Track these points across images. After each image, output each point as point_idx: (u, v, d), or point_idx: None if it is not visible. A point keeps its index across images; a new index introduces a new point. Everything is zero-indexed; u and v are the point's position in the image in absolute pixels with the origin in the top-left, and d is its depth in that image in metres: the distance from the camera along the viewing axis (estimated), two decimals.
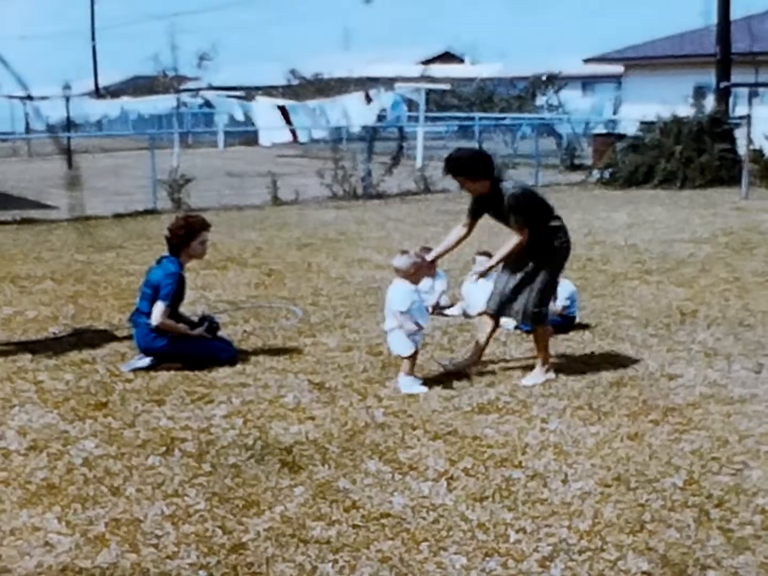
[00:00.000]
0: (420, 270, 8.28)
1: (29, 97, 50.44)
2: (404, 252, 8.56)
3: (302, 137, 31.10)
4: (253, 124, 33.29)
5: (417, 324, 8.02)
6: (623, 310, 10.67)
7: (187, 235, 8.71)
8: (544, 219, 8.21)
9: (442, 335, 9.64)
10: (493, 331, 8.60)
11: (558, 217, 8.29)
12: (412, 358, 8.07)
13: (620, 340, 9.45)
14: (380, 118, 34.28)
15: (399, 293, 8.04)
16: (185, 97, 48.59)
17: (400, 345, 8.08)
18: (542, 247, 8.18)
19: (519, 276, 8.28)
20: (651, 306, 10.85)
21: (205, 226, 8.84)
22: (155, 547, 5.22)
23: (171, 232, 8.77)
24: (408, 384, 7.98)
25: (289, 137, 31.32)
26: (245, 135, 41.88)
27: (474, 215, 8.58)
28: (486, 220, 8.52)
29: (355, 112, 31.32)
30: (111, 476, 6.17)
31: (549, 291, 8.38)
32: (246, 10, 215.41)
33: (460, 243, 8.89)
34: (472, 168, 8.28)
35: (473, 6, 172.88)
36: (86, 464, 6.37)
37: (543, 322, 8.40)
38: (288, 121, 30.60)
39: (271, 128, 30.42)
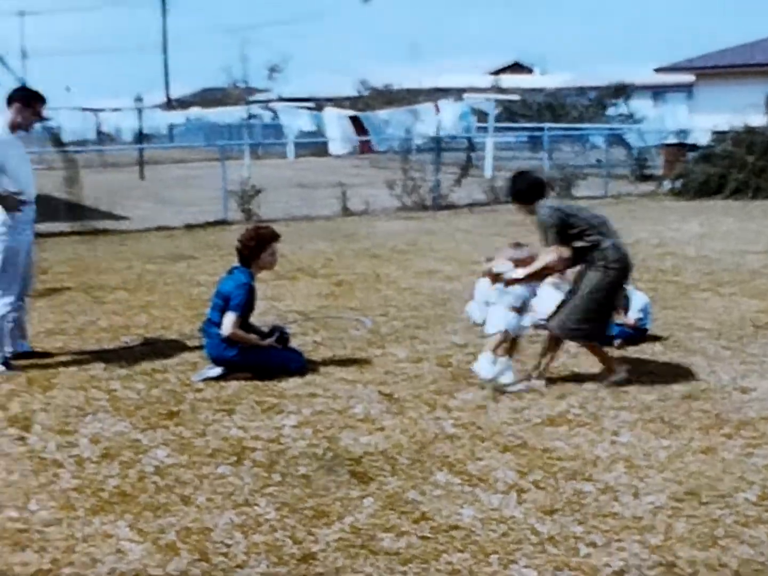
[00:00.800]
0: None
1: (101, 109, 51.16)
2: (518, 244, 8.99)
3: (376, 147, 31.20)
4: (322, 135, 33.45)
5: (517, 309, 8.16)
6: (695, 322, 10.56)
7: (258, 247, 8.77)
8: (579, 239, 8.16)
9: None
10: (553, 345, 8.58)
11: (599, 238, 8.17)
12: (504, 341, 8.21)
13: (692, 352, 9.35)
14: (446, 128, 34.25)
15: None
16: (255, 108, 49.01)
17: (495, 320, 8.17)
18: (587, 266, 8.21)
19: (573, 291, 8.34)
20: (723, 318, 10.73)
21: (275, 237, 8.90)
22: (225, 556, 5.25)
23: (242, 244, 8.83)
24: (486, 365, 8.02)
25: (360, 147, 31.46)
26: (315, 146, 42.08)
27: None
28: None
29: (425, 122, 31.39)
30: (182, 485, 6.22)
31: (596, 309, 8.26)
32: (316, 23, 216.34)
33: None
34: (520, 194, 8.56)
35: (543, 16, 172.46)
36: (157, 473, 6.43)
37: (587, 339, 8.36)
38: (360, 132, 30.74)
39: (341, 138, 30.53)
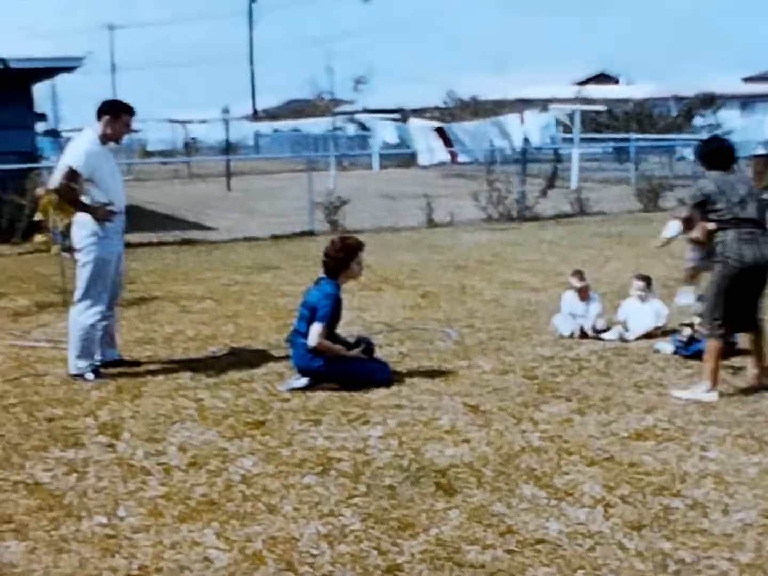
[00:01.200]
0: None
1: (188, 121, 51.76)
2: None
3: (462, 158, 31.12)
4: (408, 146, 33.45)
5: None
6: None
7: (347, 258, 8.80)
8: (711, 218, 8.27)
9: (598, 359, 9.52)
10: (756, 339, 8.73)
11: (727, 224, 8.17)
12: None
13: None
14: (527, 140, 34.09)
15: None
16: (340, 120, 49.23)
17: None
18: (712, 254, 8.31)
19: None
20: None
21: (361, 246, 8.93)
22: (311, 566, 5.26)
23: (329, 256, 8.85)
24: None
25: (447, 158, 31.41)
26: (400, 157, 42.13)
27: None
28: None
29: (510, 133, 31.29)
30: (268, 494, 6.25)
31: (712, 304, 8.30)
32: (401, 33, 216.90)
33: None
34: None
35: (629, 26, 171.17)
36: (244, 481, 6.47)
37: (711, 334, 8.34)
38: (447, 143, 30.72)
39: (427, 150, 30.53)
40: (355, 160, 48.63)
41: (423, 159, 32.12)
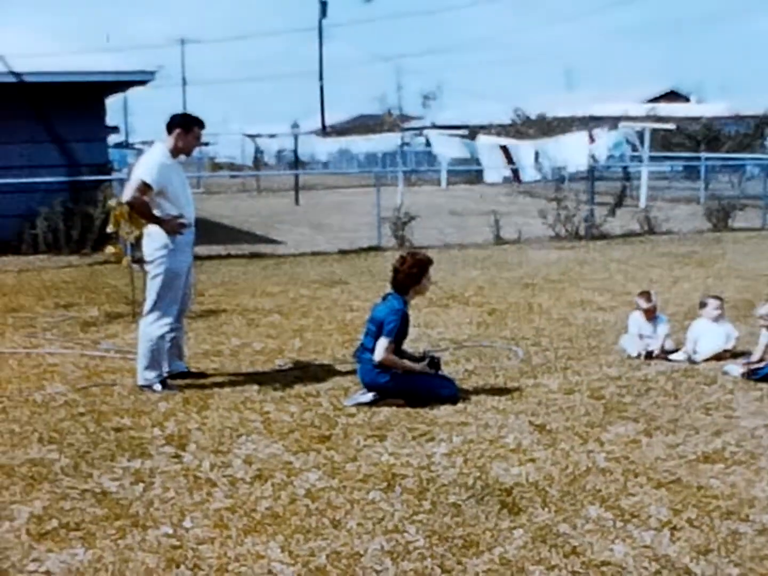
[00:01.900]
0: None
1: (258, 135, 52.13)
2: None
3: (525, 177, 30.96)
4: (477, 162, 33.37)
5: None
6: None
7: (418, 274, 8.81)
8: None
9: (666, 380, 9.43)
10: None
11: None
12: None
13: None
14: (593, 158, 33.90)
15: None
16: (408, 135, 49.31)
17: None
18: None
19: None
20: None
21: (430, 262, 8.94)
22: None
23: (399, 271, 8.82)
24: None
25: (511, 176, 31.28)
26: (468, 173, 42.13)
27: None
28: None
29: (576, 152, 31.11)
30: (333, 509, 6.26)
31: None
32: (470, 51, 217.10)
33: None
34: None
35: (701, 44, 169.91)
36: (309, 496, 6.49)
37: None
38: (510, 161, 30.59)
39: (495, 167, 30.45)
40: (423, 176, 48.71)
41: (489, 176, 32.04)
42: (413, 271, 8.79)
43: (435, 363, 8.97)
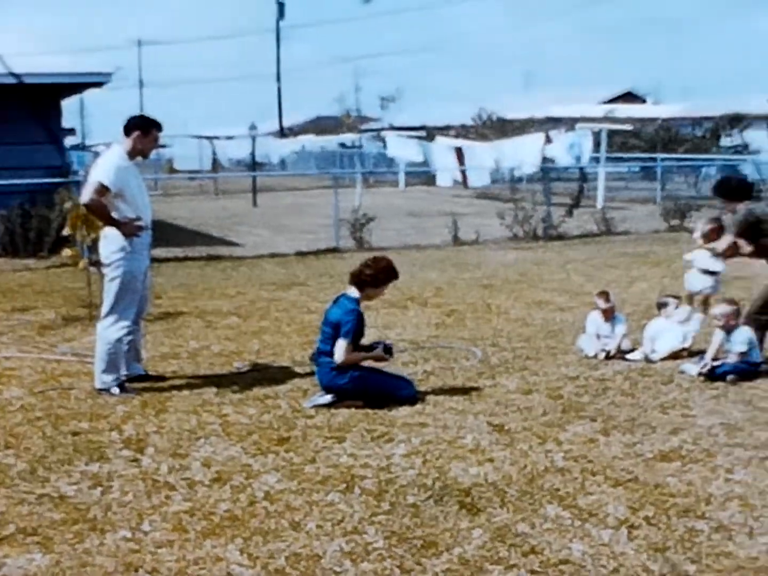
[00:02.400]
0: None
1: (215, 137, 52.02)
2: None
3: (472, 181, 30.93)
4: (426, 164, 33.40)
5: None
6: None
7: (383, 280, 8.85)
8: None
9: (623, 380, 9.49)
10: None
11: None
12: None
13: None
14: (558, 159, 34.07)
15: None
16: (365, 137, 49.36)
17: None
18: None
19: None
20: None
21: (397, 278, 9.06)
22: None
23: (368, 272, 8.82)
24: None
25: (460, 179, 31.30)
26: (425, 175, 42.21)
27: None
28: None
29: (532, 153, 31.24)
30: (292, 511, 6.25)
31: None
32: (429, 54, 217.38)
33: None
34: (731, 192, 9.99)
35: (656, 45, 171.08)
36: (268, 498, 6.48)
37: None
38: (461, 163, 30.65)
39: (446, 169, 30.50)
40: (381, 178, 48.74)
41: (441, 179, 32.07)
42: (380, 276, 8.83)
43: (388, 349, 9.00)
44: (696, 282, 10.36)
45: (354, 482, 6.74)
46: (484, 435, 7.79)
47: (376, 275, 8.83)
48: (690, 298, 11.45)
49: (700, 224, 10.59)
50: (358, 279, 8.86)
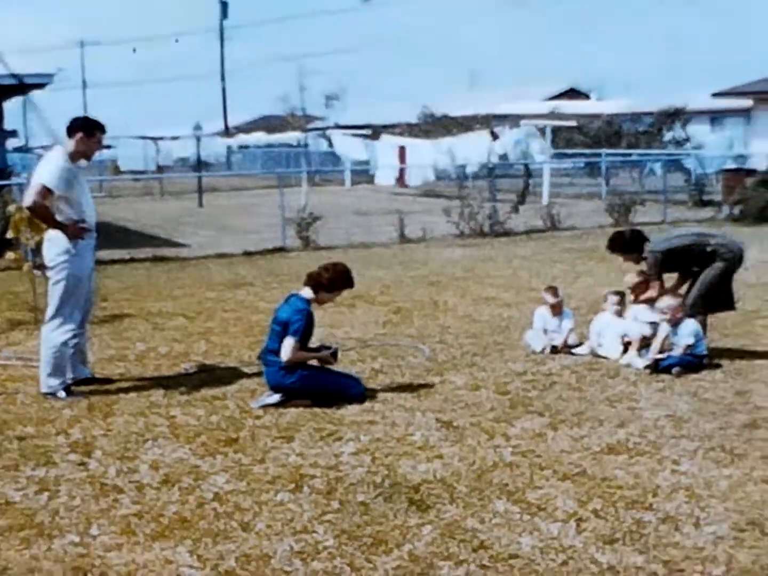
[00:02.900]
0: None
1: (160, 138, 51.75)
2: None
3: (411, 179, 30.89)
4: (367, 163, 33.36)
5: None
6: (756, 349, 10.45)
7: (337, 286, 8.89)
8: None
9: (570, 374, 9.55)
10: None
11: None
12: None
13: (753, 380, 9.24)
14: (503, 156, 34.24)
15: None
16: (311, 136, 49.30)
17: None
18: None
19: None
20: None
21: (351, 287, 9.13)
22: None
23: (327, 273, 8.85)
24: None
25: (400, 177, 31.25)
26: (371, 173, 42.23)
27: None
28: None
29: (479, 149, 31.35)
30: (241, 511, 6.23)
31: None
32: (374, 51, 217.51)
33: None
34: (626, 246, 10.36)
35: (599, 42, 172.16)
36: (217, 499, 6.45)
37: None
38: (403, 161, 30.63)
39: (389, 167, 30.46)
40: (328, 177, 48.72)
41: (381, 177, 32.01)
42: (337, 282, 8.91)
43: (334, 354, 9.03)
44: (635, 330, 10.35)
45: (303, 481, 6.73)
46: (433, 432, 7.81)
47: (333, 280, 8.85)
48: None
49: (627, 277, 10.58)
50: (315, 281, 8.85)
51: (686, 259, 10.12)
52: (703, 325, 10.01)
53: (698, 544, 5.62)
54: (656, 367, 9.46)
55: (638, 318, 10.19)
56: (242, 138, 60.52)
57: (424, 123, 51.71)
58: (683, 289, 10.29)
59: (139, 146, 53.15)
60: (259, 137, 57.74)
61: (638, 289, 10.37)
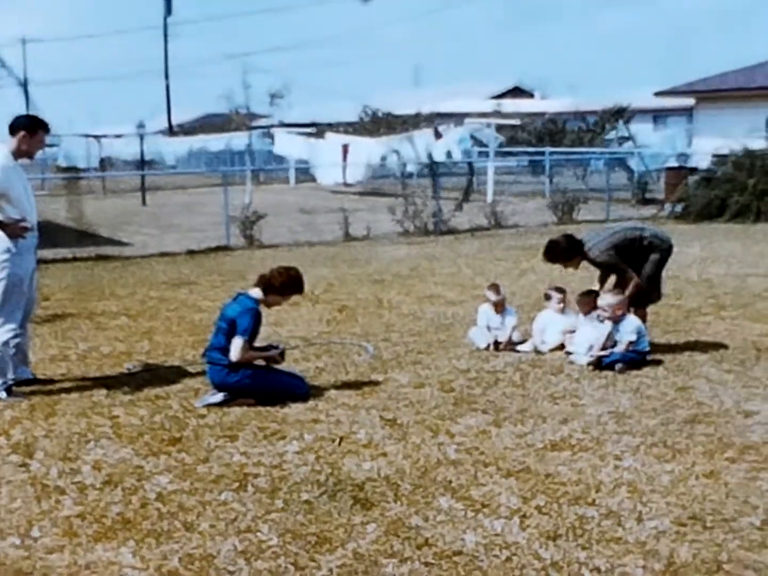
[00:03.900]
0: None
1: (103, 136, 51.35)
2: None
3: (352, 177, 30.82)
4: (307, 162, 33.21)
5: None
6: (698, 345, 10.54)
7: (288, 291, 8.89)
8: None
9: (514, 371, 9.59)
10: None
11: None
12: None
13: (695, 376, 9.33)
14: (447, 154, 34.30)
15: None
16: (254, 134, 49.13)
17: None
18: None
19: None
20: (726, 342, 10.71)
21: (300, 293, 9.17)
22: None
23: (280, 276, 8.84)
24: None
25: (342, 177, 31.15)
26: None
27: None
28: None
29: (423, 148, 31.39)
30: (185, 511, 6.20)
31: None
32: (317, 49, 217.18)
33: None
34: (566, 253, 10.19)
35: (543, 40, 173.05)
36: (160, 499, 6.42)
37: None
38: (345, 159, 30.57)
39: (333, 165, 30.39)
40: (272, 175, 48.58)
41: (323, 176, 31.90)
42: (289, 286, 8.91)
43: (281, 354, 9.04)
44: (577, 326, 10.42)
45: (247, 481, 6.71)
46: (377, 429, 7.81)
47: (286, 284, 8.84)
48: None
49: (576, 297, 10.51)
50: (267, 283, 8.83)
51: (628, 253, 10.11)
52: (643, 319, 10.12)
53: (640, 539, 5.67)
54: (599, 364, 9.53)
55: (584, 324, 10.24)
56: (186, 139, 60.15)
57: (368, 122, 51.74)
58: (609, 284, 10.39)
59: (82, 144, 52.64)
60: (201, 138, 57.38)
61: (587, 306, 10.36)
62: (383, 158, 31.37)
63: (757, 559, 5.41)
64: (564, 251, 10.19)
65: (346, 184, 32.78)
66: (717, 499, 6.26)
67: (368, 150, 31.52)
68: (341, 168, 30.17)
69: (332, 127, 47.02)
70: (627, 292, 9.94)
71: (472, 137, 37.13)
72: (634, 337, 9.66)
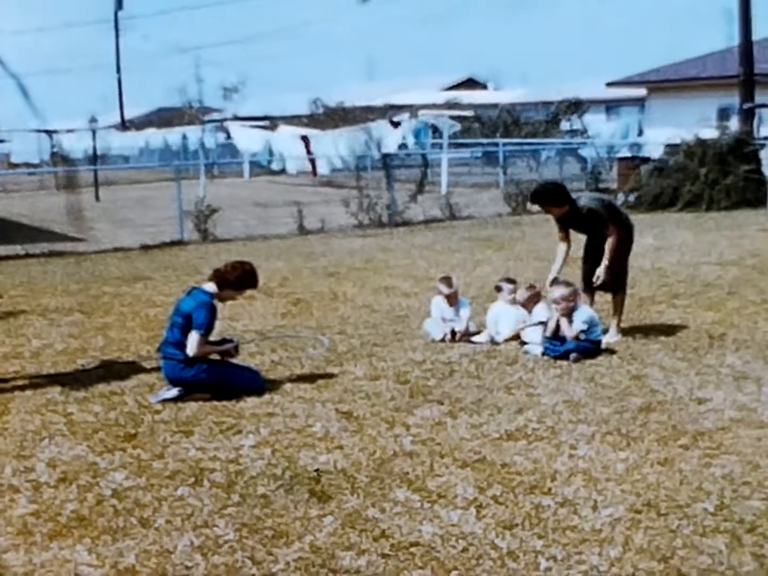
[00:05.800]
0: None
1: (54, 131, 50.93)
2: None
3: (321, 169, 30.82)
4: (270, 154, 33.05)
5: None
6: (651, 334, 10.61)
7: (246, 284, 8.90)
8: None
9: (469, 362, 9.62)
10: None
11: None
12: None
13: (648, 364, 9.40)
14: (403, 146, 34.27)
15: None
16: (208, 128, 48.91)
17: None
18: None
19: None
20: (679, 330, 10.79)
21: (255, 288, 9.14)
22: None
23: (235, 271, 8.81)
24: None
25: (308, 168, 31.06)
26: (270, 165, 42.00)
27: (564, 229, 10.59)
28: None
29: (379, 139, 31.33)
30: (140, 508, 6.18)
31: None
32: (270, 42, 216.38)
33: (569, 255, 10.61)
34: (555, 197, 10.42)
35: (495, 32, 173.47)
36: (116, 496, 6.39)
37: None
38: (309, 152, 30.48)
39: (291, 158, 30.30)
40: (226, 169, 48.39)
41: (291, 168, 31.91)
42: (244, 280, 8.89)
43: (235, 348, 9.05)
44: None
45: (203, 475, 6.70)
46: (333, 422, 7.82)
47: (240, 278, 8.82)
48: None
49: (519, 291, 10.58)
50: (221, 277, 8.80)
51: (594, 222, 10.41)
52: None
53: (596, 527, 5.71)
54: (553, 354, 9.57)
55: (535, 317, 10.28)
56: (139, 133, 59.76)
57: (321, 114, 51.66)
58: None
59: (33, 139, 52.17)
60: (154, 133, 57.03)
61: (530, 302, 10.42)
62: (368, 147, 31.31)
63: (710, 544, 5.46)
64: (554, 194, 10.46)
65: (315, 176, 32.71)
66: (671, 486, 6.32)
67: (324, 142, 31.44)
68: (309, 160, 30.02)
69: (285, 120, 46.89)
70: (607, 246, 10.28)
71: (431, 125, 37.09)
72: (585, 327, 9.70)
